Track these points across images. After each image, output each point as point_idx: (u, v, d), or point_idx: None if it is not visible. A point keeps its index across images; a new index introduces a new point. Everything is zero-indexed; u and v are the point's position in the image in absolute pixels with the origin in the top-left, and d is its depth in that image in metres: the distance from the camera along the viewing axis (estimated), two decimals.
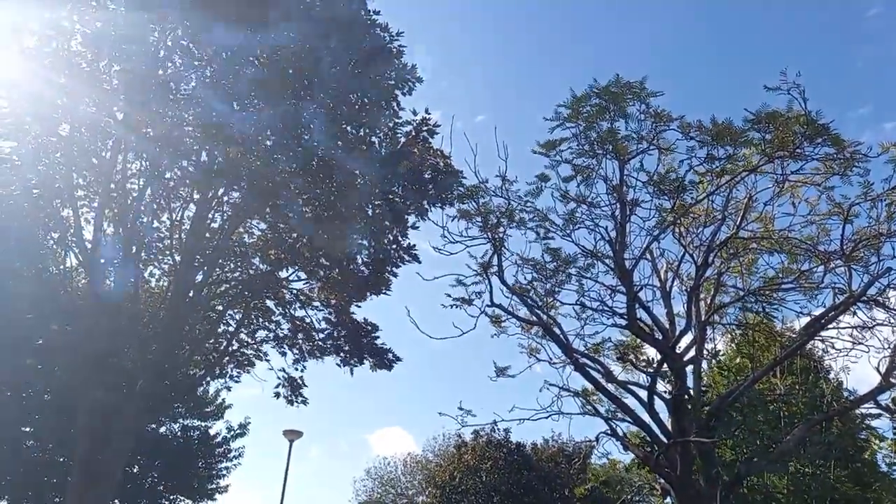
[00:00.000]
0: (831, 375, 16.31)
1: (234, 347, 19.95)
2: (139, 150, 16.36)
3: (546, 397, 23.70)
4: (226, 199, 17.61)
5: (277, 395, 19.89)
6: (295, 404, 19.94)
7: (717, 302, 13.02)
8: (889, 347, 11.07)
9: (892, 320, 11.03)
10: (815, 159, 10.01)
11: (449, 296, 12.29)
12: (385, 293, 19.00)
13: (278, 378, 19.94)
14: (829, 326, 11.49)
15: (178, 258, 17.58)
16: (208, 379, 21.26)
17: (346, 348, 19.74)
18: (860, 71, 66.27)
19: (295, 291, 19.64)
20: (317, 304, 19.87)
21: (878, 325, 11.23)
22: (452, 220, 12.18)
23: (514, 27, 73.14)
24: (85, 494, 14.55)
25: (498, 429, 30.35)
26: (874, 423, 16.82)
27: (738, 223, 11.56)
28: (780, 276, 12.06)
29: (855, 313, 11.24)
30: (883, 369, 10.72)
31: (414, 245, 18.21)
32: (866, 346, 11.45)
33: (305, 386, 20.03)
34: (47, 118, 15.03)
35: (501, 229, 12.16)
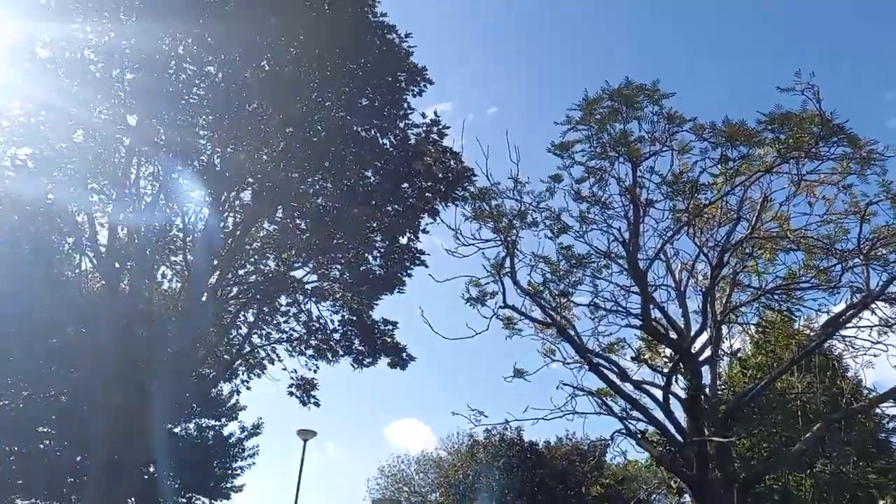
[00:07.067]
0: (850, 373, 16.15)
1: (247, 350, 20.10)
2: (151, 155, 16.48)
3: (561, 396, 23.67)
4: (237, 202, 17.70)
5: (291, 393, 20.26)
6: (307, 405, 20.23)
7: (732, 301, 12.91)
8: None
9: None
10: (831, 159, 9.90)
11: (462, 297, 12.29)
12: (400, 292, 19.10)
13: (291, 378, 20.26)
14: (848, 325, 11.37)
15: (191, 259, 17.69)
16: (220, 382, 21.47)
17: (361, 348, 19.86)
18: (892, 52, 64.77)
19: (309, 290, 19.74)
20: (330, 302, 19.99)
21: None
22: (465, 221, 12.18)
23: (526, 18, 72.92)
24: (104, 495, 14.70)
25: (511, 427, 30.34)
26: None
27: (753, 223, 11.45)
28: (798, 274, 11.94)
29: (874, 311, 11.12)
30: None
31: (423, 251, 18.32)
32: (885, 344, 11.33)
33: (317, 388, 20.34)
34: (62, 125, 15.17)
35: (514, 231, 12.13)
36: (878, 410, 15.63)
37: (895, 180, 9.57)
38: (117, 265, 16.69)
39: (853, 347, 12.20)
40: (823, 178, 10.34)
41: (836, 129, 9.07)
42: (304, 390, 20.28)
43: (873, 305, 10.90)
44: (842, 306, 11.35)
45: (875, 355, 11.84)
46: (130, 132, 15.60)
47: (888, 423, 16.99)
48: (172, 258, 19.31)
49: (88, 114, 14.87)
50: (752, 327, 14.16)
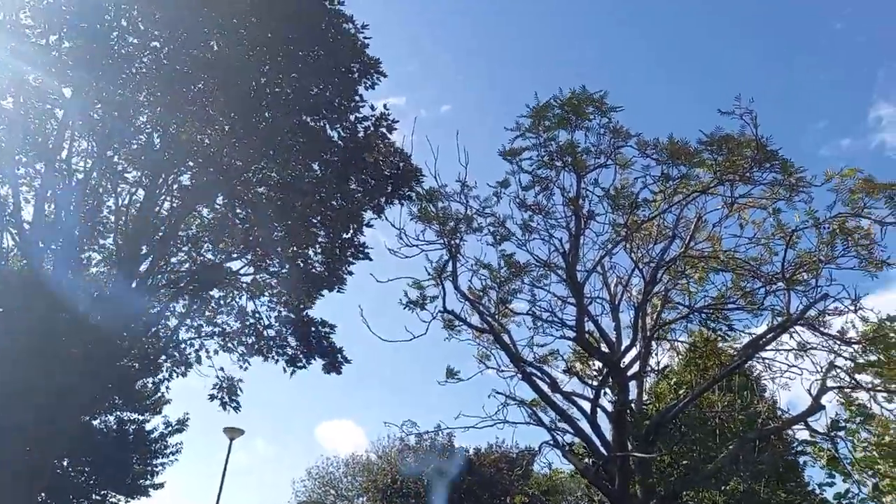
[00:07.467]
0: (767, 394, 16.78)
1: (172, 345, 19.13)
2: (87, 129, 15.76)
3: (492, 404, 23.77)
4: (175, 186, 17.07)
5: (212, 397, 18.87)
6: (228, 409, 18.89)
7: (663, 318, 13.27)
8: (822, 371, 11.43)
9: (825, 345, 11.41)
10: (763, 184, 10.33)
11: (401, 302, 12.20)
12: (340, 291, 18.72)
13: (217, 378, 18.99)
14: (768, 347, 11.82)
15: (121, 243, 16.95)
16: (145, 378, 20.53)
17: (294, 346, 19.25)
18: (821, 83, 68.64)
19: (245, 284, 19.13)
20: (266, 297, 19.40)
21: (812, 348, 11.60)
22: (410, 220, 12.14)
23: (482, 16, 73.86)
24: (11, 490, 13.84)
25: (442, 433, 30.33)
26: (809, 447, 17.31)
27: (686, 242, 11.82)
28: (726, 294, 12.35)
29: (791, 335, 11.59)
30: (815, 392, 11.06)
31: (365, 243, 18.03)
32: (800, 368, 11.81)
33: (241, 393, 19.08)
34: None
35: (458, 235, 12.16)
36: (789, 432, 16.29)
37: (820, 209, 10.07)
38: (41, 244, 15.85)
39: (771, 369, 12.72)
40: (754, 201, 10.77)
41: (770, 155, 9.49)
42: (228, 392, 18.91)
43: (792, 329, 11.37)
44: (763, 328, 11.82)
45: (791, 378, 12.37)
46: (65, 104, 14.89)
47: (797, 445, 17.76)
48: (101, 241, 18.49)
49: (20, 80, 14.11)
50: (681, 344, 14.59)
